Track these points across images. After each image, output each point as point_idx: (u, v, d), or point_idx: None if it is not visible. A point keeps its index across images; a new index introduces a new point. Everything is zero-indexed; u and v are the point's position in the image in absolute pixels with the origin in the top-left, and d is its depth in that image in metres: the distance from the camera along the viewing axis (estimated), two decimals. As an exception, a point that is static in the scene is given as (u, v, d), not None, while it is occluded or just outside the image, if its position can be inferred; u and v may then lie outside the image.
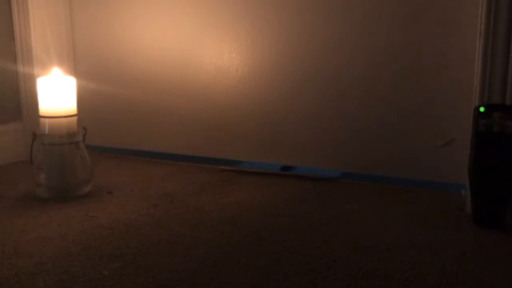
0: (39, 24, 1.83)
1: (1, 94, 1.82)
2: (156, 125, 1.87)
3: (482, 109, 1.15)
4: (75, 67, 1.97)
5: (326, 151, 1.61)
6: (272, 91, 1.66)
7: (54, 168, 1.41)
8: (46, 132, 1.39)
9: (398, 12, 1.46)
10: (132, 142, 1.92)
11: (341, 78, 1.55)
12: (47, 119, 1.39)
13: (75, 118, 1.43)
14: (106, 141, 1.94)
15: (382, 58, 1.49)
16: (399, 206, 1.34)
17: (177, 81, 1.80)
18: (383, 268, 0.96)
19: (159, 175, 1.64)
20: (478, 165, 1.18)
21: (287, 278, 0.92)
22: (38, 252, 1.03)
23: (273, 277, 0.92)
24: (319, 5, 1.55)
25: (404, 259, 1.00)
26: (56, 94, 1.39)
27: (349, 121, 1.56)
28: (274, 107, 1.66)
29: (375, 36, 1.49)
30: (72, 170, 1.42)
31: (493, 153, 1.16)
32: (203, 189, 1.49)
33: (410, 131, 1.49)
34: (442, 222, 1.22)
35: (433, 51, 1.43)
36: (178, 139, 1.84)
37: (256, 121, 1.70)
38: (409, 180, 1.50)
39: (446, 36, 1.40)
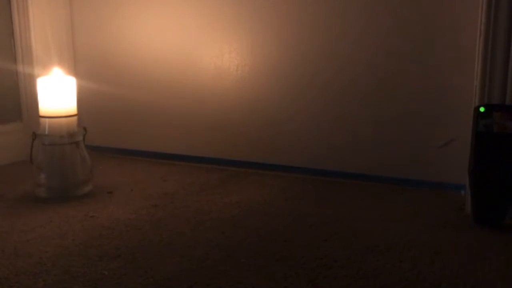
0: (39, 24, 1.83)
1: (1, 94, 1.82)
2: (156, 125, 1.87)
3: (482, 109, 1.15)
4: (75, 67, 1.97)
5: (326, 151, 1.61)
6: (272, 91, 1.66)
7: (54, 168, 1.41)
8: (46, 132, 1.39)
9: (398, 13, 1.46)
10: (132, 142, 1.92)
11: (341, 78, 1.55)
12: (47, 119, 1.39)
13: (75, 118, 1.43)
14: (106, 141, 1.94)
15: (381, 58, 1.49)
16: (399, 206, 1.34)
17: (177, 81, 1.80)
18: (383, 268, 0.96)
19: (159, 175, 1.64)
20: (478, 165, 1.18)
21: (287, 278, 0.92)
22: (38, 252, 1.03)
23: (273, 277, 0.92)
24: (319, 5, 1.55)
25: (404, 259, 1.00)
26: (56, 94, 1.39)
27: (349, 121, 1.56)
28: (274, 107, 1.66)
29: (375, 37, 1.49)
30: (72, 170, 1.42)
31: (493, 153, 1.16)
32: (203, 189, 1.49)
33: (410, 131, 1.49)
34: (442, 222, 1.21)
35: (432, 51, 1.43)
36: (178, 139, 1.84)
37: (256, 121, 1.70)
38: (409, 180, 1.50)
39: (446, 36, 1.40)
